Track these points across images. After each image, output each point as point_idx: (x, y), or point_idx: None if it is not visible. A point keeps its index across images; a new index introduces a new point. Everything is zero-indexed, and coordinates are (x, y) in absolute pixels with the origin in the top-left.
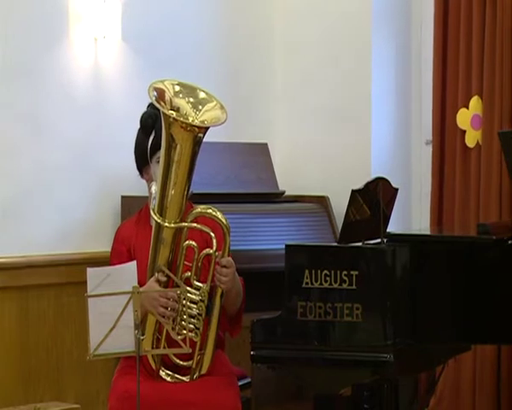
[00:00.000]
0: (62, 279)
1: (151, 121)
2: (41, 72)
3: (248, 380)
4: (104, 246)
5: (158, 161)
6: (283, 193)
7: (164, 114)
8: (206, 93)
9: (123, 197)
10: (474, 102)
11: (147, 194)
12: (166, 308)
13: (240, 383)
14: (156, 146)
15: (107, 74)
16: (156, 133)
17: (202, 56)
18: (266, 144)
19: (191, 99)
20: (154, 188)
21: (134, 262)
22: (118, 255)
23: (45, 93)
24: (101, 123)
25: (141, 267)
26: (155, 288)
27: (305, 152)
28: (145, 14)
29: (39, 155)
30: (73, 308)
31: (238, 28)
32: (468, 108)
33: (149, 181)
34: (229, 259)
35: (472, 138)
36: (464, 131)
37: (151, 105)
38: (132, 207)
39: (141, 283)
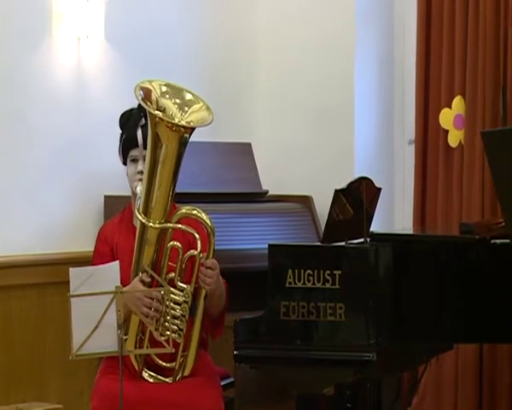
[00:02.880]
0: (45, 279)
1: (124, 120)
2: (23, 71)
3: (231, 380)
4: (87, 246)
5: (132, 160)
6: (266, 193)
7: (150, 113)
8: (193, 94)
9: (106, 197)
10: (457, 102)
11: (130, 193)
12: (150, 309)
13: (223, 383)
14: (127, 145)
15: (90, 74)
16: (126, 132)
17: (186, 56)
18: (250, 144)
19: (177, 100)
20: (139, 188)
21: (117, 262)
22: (100, 256)
23: (27, 93)
24: (84, 123)
25: (124, 267)
26: (139, 288)
27: (288, 152)
28: (128, 13)
29: (21, 155)
30: (56, 308)
31: (221, 28)
32: (450, 107)
33: (132, 181)
34: (214, 261)
35: (454, 138)
36: (447, 131)
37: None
38: (115, 207)
39: (124, 283)
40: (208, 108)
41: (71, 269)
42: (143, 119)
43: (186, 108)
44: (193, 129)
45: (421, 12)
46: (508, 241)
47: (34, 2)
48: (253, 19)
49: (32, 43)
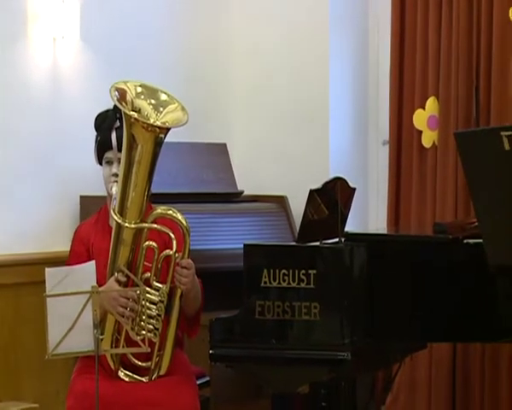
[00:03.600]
0: (21, 279)
1: (99, 121)
2: None
3: (207, 379)
4: (63, 246)
5: (106, 162)
6: (242, 193)
7: (125, 114)
8: (168, 95)
9: (82, 197)
10: (431, 102)
11: (106, 194)
12: (126, 308)
13: (198, 382)
14: (101, 147)
15: (66, 74)
16: (100, 134)
17: (162, 57)
18: (225, 144)
19: (153, 101)
20: (115, 189)
21: (93, 262)
22: (76, 256)
23: (3, 93)
24: (60, 123)
25: (99, 267)
26: (115, 288)
27: (263, 152)
28: (104, 14)
29: None
30: (32, 308)
31: (198, 30)
32: (424, 108)
33: (107, 183)
34: (189, 260)
35: (428, 139)
36: (421, 132)
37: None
38: (91, 207)
39: (100, 283)
40: (183, 109)
41: (47, 269)
42: (118, 121)
43: (161, 109)
44: (168, 129)
45: (396, 15)
46: (480, 241)
47: (9, 2)
48: (228, 22)
49: (7, 43)
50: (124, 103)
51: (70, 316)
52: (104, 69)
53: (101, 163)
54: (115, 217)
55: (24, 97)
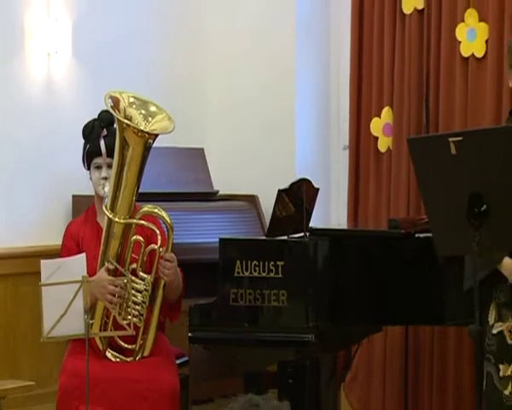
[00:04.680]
0: (19, 270)
1: (87, 132)
2: None
3: (186, 359)
4: (56, 240)
5: (95, 167)
6: (217, 192)
7: (118, 120)
8: (157, 106)
9: (73, 196)
10: (386, 111)
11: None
12: (114, 296)
13: (178, 362)
14: (91, 154)
15: (59, 86)
16: (90, 143)
17: (145, 71)
18: (202, 149)
19: (143, 111)
20: (107, 188)
21: (83, 254)
22: (68, 250)
23: (1, 102)
24: (54, 130)
25: (88, 260)
26: (104, 277)
27: (236, 156)
28: (93, 31)
29: None
30: (29, 296)
31: (178, 46)
32: (380, 117)
33: (97, 185)
34: (172, 254)
35: (384, 144)
36: (377, 138)
37: (99, 114)
38: (82, 205)
39: (89, 273)
40: (170, 118)
41: (42, 261)
42: (105, 130)
43: (150, 119)
44: (156, 135)
45: (354, 33)
46: (430, 235)
47: (8, 20)
48: (205, 38)
49: (5, 57)
50: (117, 111)
51: (63, 303)
52: (93, 81)
53: (89, 168)
54: (107, 212)
55: (21, 106)
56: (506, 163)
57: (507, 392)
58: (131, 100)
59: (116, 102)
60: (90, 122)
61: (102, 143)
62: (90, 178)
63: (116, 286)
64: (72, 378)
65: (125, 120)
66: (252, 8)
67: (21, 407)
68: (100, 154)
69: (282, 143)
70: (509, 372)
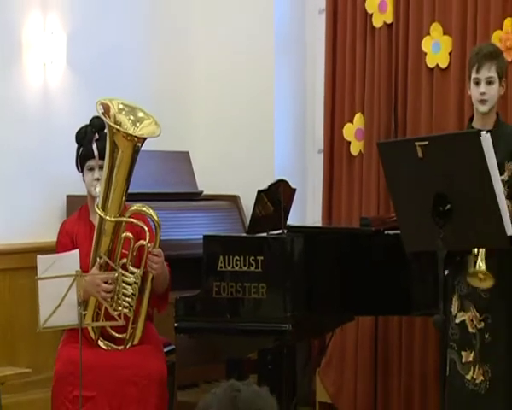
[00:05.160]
0: (17, 265)
1: (80, 136)
2: None
3: (173, 347)
4: (52, 237)
5: (88, 169)
6: (201, 193)
7: (109, 125)
8: (144, 112)
9: (68, 196)
10: (358, 118)
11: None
12: (106, 292)
13: (165, 350)
14: (84, 157)
15: (54, 94)
16: (83, 147)
17: (135, 80)
18: (188, 152)
19: (131, 117)
20: (99, 189)
21: (77, 250)
22: (62, 246)
23: (1, 110)
24: (49, 134)
25: (81, 255)
26: (97, 276)
27: (219, 159)
28: (87, 43)
29: None
30: (26, 289)
31: (165, 58)
32: (352, 122)
33: (90, 186)
34: (159, 249)
35: (355, 148)
36: (349, 142)
37: (92, 119)
38: (76, 205)
39: (82, 268)
40: (157, 123)
41: (38, 256)
42: (97, 134)
43: (138, 124)
44: (144, 139)
45: (329, 45)
46: (398, 232)
47: (6, 33)
48: (192, 49)
49: (4, 67)
50: (107, 117)
51: (58, 295)
52: (86, 90)
53: (82, 170)
54: (99, 211)
55: (19, 113)
56: (468, 165)
57: (468, 377)
58: (121, 106)
59: (107, 109)
60: (82, 128)
61: (95, 146)
62: (83, 180)
63: (107, 281)
64: (66, 365)
65: (115, 126)
66: (235, 24)
67: (19, 393)
68: (93, 156)
69: (261, 147)
70: (470, 359)
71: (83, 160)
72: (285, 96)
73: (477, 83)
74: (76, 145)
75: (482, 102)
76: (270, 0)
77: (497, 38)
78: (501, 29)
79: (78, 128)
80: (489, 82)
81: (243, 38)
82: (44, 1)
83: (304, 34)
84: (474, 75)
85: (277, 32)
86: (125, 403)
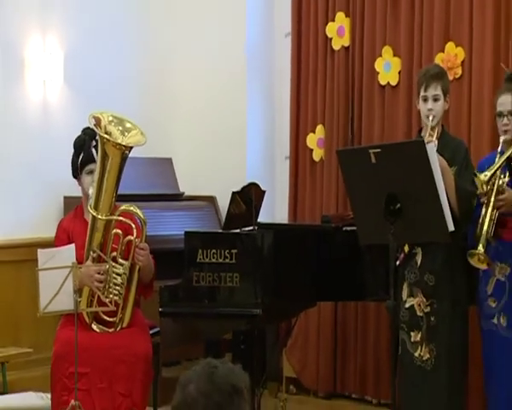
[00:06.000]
0: (20, 258)
1: (80, 145)
2: (2, 106)
3: (157, 329)
4: (51, 233)
5: (87, 173)
6: (183, 194)
7: (100, 135)
8: (131, 123)
9: (65, 197)
10: (319, 128)
11: (81, 195)
12: (100, 282)
13: (151, 332)
14: (85, 162)
15: (53, 108)
16: (84, 153)
17: (124, 96)
18: (171, 159)
19: (120, 127)
20: (91, 191)
21: (73, 245)
22: (60, 241)
23: (4, 122)
24: (48, 143)
25: (77, 249)
26: (91, 267)
27: (199, 165)
28: (82, 63)
29: (1, 168)
30: (28, 279)
31: (150, 75)
32: (314, 132)
33: (82, 186)
34: (145, 244)
35: (317, 155)
36: (312, 150)
37: (84, 130)
38: (71, 205)
39: (78, 260)
40: (142, 133)
41: (39, 250)
42: (93, 141)
43: (126, 134)
44: (131, 147)
45: (294, 64)
46: (354, 228)
47: (9, 53)
48: (172, 72)
49: (7, 84)
50: (99, 128)
51: (56, 284)
52: (81, 104)
53: (80, 174)
54: (91, 211)
55: (22, 124)
56: (415, 169)
57: (416, 354)
58: (110, 118)
59: (98, 121)
60: (80, 136)
61: (94, 151)
62: (79, 184)
63: (99, 271)
64: (64, 346)
65: (106, 136)
66: (212, 46)
67: (22, 370)
68: (93, 160)
69: (235, 154)
70: (418, 339)
71: (83, 164)
72: (256, 110)
73: (425, 100)
74: (72, 153)
75: (429, 116)
76: (242, 24)
77: (439, 59)
78: (443, 51)
79: (73, 138)
80: (435, 99)
81: (219, 57)
82: (44, 24)
83: (272, 55)
84: (422, 93)
85: (249, 53)
86: (115, 379)
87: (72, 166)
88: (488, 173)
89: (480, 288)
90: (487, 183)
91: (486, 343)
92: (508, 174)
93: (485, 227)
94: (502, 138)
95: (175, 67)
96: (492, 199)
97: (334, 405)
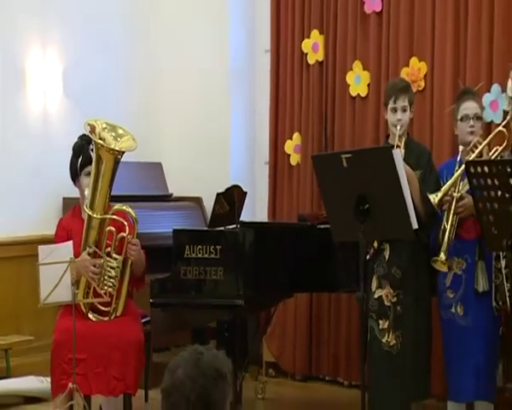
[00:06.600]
0: (22, 253)
1: (79, 148)
2: (5, 115)
3: (149, 319)
4: (51, 230)
5: (86, 175)
6: (171, 195)
7: (95, 141)
8: (124, 130)
9: (64, 198)
10: (296, 136)
11: (78, 196)
12: (94, 273)
13: (143, 321)
14: (84, 164)
15: (53, 117)
16: (83, 156)
17: (118, 105)
18: (160, 163)
19: (113, 134)
20: (87, 192)
21: (71, 241)
22: (59, 238)
23: (8, 129)
24: (48, 148)
25: (75, 246)
26: (86, 258)
27: (186, 169)
28: (79, 75)
29: (4, 172)
30: (30, 273)
31: (141, 88)
32: (291, 139)
33: (80, 188)
34: (137, 240)
35: (294, 160)
36: (289, 155)
37: (81, 137)
38: (70, 205)
39: (75, 255)
40: (134, 139)
41: (39, 246)
42: (91, 145)
43: (119, 139)
44: (123, 152)
45: (273, 77)
46: (328, 226)
47: (12, 65)
48: (161, 84)
49: (10, 94)
50: (93, 134)
51: (55, 278)
52: (79, 113)
53: (78, 177)
54: (87, 210)
55: (24, 131)
56: (382, 173)
57: (384, 340)
58: (104, 125)
59: (93, 128)
60: (78, 142)
61: (92, 154)
62: (78, 186)
63: (95, 265)
64: (62, 334)
65: (100, 141)
66: (198, 60)
67: (24, 356)
68: (91, 162)
69: (219, 159)
70: (385, 326)
71: (82, 166)
72: (239, 119)
73: (395, 111)
74: (71, 157)
75: (397, 126)
76: (226, 41)
77: (404, 73)
78: (407, 66)
79: (71, 144)
80: (404, 110)
81: (205, 72)
82: (44, 39)
83: (253, 69)
84: (391, 105)
85: (232, 67)
86: (110, 364)
87: (72, 168)
88: (440, 194)
89: (439, 281)
90: (438, 204)
91: (446, 331)
92: (467, 181)
93: (447, 234)
94: (461, 148)
95: (165, 81)
96: (453, 206)
97: (309, 386)
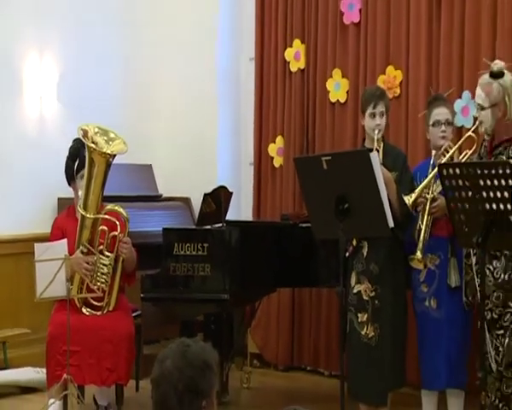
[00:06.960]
0: (19, 251)
1: (75, 152)
2: (2, 119)
3: (139, 312)
4: (46, 229)
5: (81, 177)
6: (161, 195)
7: (87, 145)
8: (115, 133)
9: (59, 199)
10: (279, 139)
11: (73, 196)
12: (88, 270)
13: (134, 315)
14: (79, 167)
15: (48, 122)
16: (79, 159)
17: (110, 110)
18: (151, 165)
19: (105, 138)
20: (81, 192)
21: (65, 239)
22: (54, 236)
23: (5, 133)
24: (44, 152)
25: (70, 243)
26: (80, 256)
27: (175, 170)
28: (74, 81)
29: (2, 174)
30: (27, 269)
31: (134, 95)
32: (275, 142)
33: (75, 189)
34: (128, 238)
35: (277, 162)
36: (273, 158)
37: (75, 140)
38: (64, 205)
39: (70, 253)
40: (125, 143)
41: (35, 244)
42: (85, 149)
43: (110, 143)
44: (115, 155)
45: (258, 83)
46: (309, 225)
47: (9, 71)
48: (154, 91)
49: (8, 99)
50: (86, 138)
51: (50, 274)
52: (72, 117)
53: (74, 179)
54: (80, 210)
55: (21, 135)
56: (360, 175)
57: (363, 333)
58: (96, 130)
59: (85, 132)
60: (74, 145)
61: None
62: (74, 188)
63: (88, 262)
64: (57, 327)
65: (92, 145)
66: (188, 68)
67: (21, 348)
68: None
69: (207, 161)
70: (364, 319)
71: (79, 169)
72: (225, 123)
73: (374, 116)
74: (66, 160)
75: (375, 130)
76: (213, 49)
77: (381, 80)
78: (384, 74)
79: (66, 147)
80: (381, 115)
81: (194, 79)
82: (41, 46)
83: (239, 76)
84: (370, 111)
85: (219, 74)
86: (102, 356)
87: (68, 171)
88: (414, 195)
89: (414, 275)
90: (413, 205)
91: (420, 323)
92: (439, 183)
93: (422, 234)
94: (433, 152)
95: (156, 88)
96: (427, 207)
97: (291, 376)
